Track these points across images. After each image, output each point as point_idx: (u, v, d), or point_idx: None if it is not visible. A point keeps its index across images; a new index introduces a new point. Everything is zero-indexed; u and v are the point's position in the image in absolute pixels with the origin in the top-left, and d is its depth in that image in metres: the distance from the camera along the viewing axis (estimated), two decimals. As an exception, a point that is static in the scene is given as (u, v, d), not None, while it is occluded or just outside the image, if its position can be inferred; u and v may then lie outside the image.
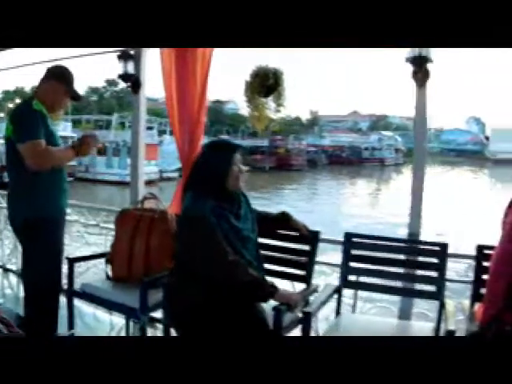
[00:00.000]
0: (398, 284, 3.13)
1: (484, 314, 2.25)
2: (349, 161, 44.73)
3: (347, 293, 3.12)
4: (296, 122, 63.33)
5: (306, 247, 3.01)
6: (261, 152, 41.26)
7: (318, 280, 3.13)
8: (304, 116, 67.58)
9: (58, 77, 3.08)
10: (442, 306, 2.75)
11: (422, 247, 3.08)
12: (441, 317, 2.73)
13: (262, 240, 2.88)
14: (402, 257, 3.11)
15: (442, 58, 3.20)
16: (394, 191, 28.09)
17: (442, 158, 51.34)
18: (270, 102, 4.01)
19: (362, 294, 3.23)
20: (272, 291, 2.39)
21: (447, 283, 2.88)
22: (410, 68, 3.05)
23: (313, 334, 2.72)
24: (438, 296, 2.82)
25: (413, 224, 3.19)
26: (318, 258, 3.08)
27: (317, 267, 3.11)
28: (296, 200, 24.59)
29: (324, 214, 18.76)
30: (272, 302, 2.46)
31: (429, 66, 3.04)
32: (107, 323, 3.59)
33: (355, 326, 2.84)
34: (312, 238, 2.98)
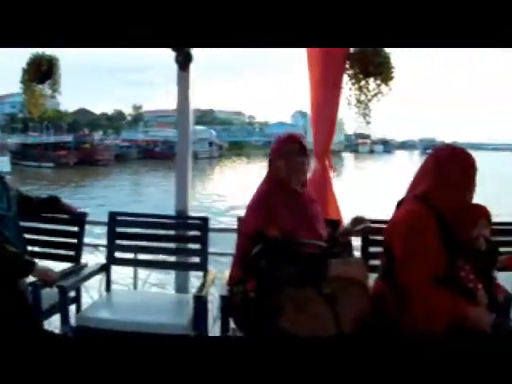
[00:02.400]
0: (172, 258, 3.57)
1: (230, 279, 2.58)
2: (162, 155, 45.33)
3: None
4: (119, 117, 62.97)
5: (75, 228, 3.30)
6: (65, 147, 40.88)
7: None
8: (127, 111, 67.93)
9: None
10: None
11: (187, 222, 3.55)
12: (204, 284, 3.08)
13: (31, 224, 3.18)
14: (171, 232, 3.55)
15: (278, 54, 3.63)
16: (208, 182, 29.43)
17: (265, 150, 54.40)
18: (46, 88, 4.20)
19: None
20: (29, 267, 2.64)
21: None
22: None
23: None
24: (203, 267, 3.25)
25: (179, 202, 3.62)
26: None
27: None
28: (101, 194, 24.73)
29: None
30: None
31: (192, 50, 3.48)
32: None
33: (123, 299, 3.26)
34: (79, 220, 3.30)
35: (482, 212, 2.47)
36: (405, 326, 2.28)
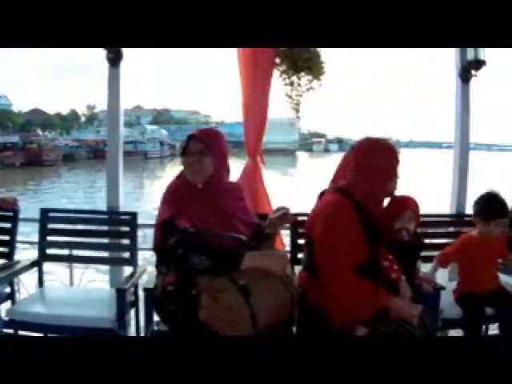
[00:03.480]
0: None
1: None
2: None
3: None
4: (73, 117, 62.07)
5: (8, 225, 3.30)
6: (11, 148, 40.02)
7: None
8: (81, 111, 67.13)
9: None
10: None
11: (116, 217, 3.58)
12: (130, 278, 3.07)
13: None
14: (105, 228, 3.55)
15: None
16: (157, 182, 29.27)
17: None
18: None
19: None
20: None
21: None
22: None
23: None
24: (133, 262, 3.28)
25: (111, 199, 3.64)
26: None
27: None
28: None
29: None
30: None
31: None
32: None
33: (55, 294, 3.27)
34: (11, 217, 3.30)
35: (409, 204, 2.53)
36: (328, 317, 2.32)
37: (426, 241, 3.37)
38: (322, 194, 2.53)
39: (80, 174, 36.52)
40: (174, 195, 2.48)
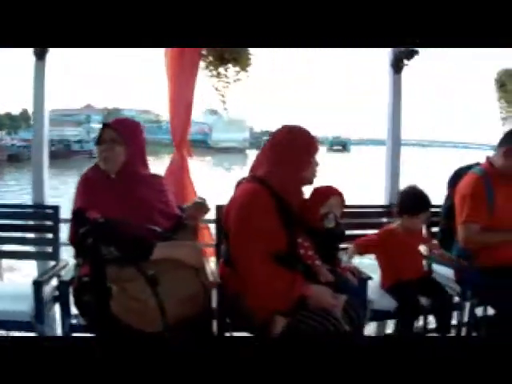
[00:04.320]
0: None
1: None
2: (57, 154, 44.20)
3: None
4: (23, 116, 60.54)
5: None
6: None
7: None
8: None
9: None
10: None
11: (37, 211, 3.47)
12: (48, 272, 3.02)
13: None
14: (30, 222, 3.47)
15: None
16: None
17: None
18: None
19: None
20: None
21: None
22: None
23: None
24: (54, 256, 3.23)
25: (36, 196, 3.52)
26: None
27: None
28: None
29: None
30: None
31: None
32: None
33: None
34: None
35: (334, 191, 2.51)
36: (247, 308, 2.31)
37: (358, 232, 3.45)
38: (240, 183, 2.51)
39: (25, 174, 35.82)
40: (86, 186, 2.45)
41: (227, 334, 2.55)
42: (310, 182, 2.49)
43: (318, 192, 2.50)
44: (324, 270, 2.36)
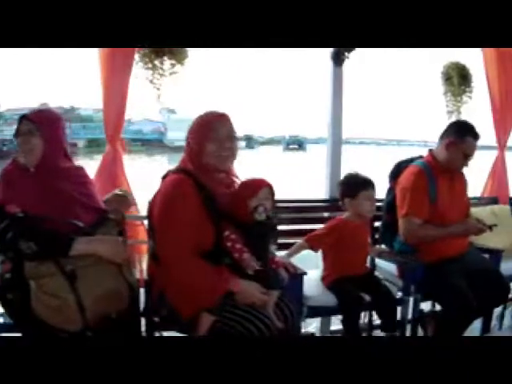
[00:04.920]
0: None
1: None
2: (9, 154, 43.37)
3: None
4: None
5: None
6: None
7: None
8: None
9: None
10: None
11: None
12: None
13: None
14: None
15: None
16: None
17: (130, 147, 53.86)
18: None
19: None
20: None
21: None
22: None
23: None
24: None
25: None
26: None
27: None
28: None
29: None
30: None
31: None
32: None
33: None
34: None
35: (265, 182, 2.38)
36: (174, 305, 2.22)
37: (299, 227, 3.37)
38: (166, 175, 2.36)
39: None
40: (4, 180, 2.31)
41: (156, 334, 2.45)
42: (222, 164, 2.32)
43: (247, 184, 2.37)
44: (251, 262, 2.22)
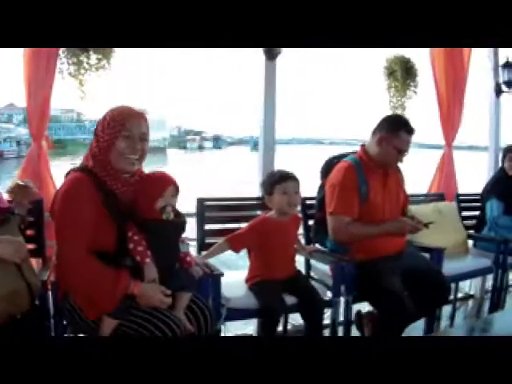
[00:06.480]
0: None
1: None
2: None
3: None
4: None
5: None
6: None
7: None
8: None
9: None
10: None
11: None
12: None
13: None
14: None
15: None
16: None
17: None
18: None
19: None
20: None
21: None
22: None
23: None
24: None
25: None
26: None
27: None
28: None
29: None
30: None
31: None
32: None
33: None
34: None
35: (170, 180, 2.24)
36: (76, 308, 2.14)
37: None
38: (68, 173, 2.22)
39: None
40: None
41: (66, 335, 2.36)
42: (126, 170, 2.18)
43: (151, 184, 2.21)
44: (151, 268, 2.10)
